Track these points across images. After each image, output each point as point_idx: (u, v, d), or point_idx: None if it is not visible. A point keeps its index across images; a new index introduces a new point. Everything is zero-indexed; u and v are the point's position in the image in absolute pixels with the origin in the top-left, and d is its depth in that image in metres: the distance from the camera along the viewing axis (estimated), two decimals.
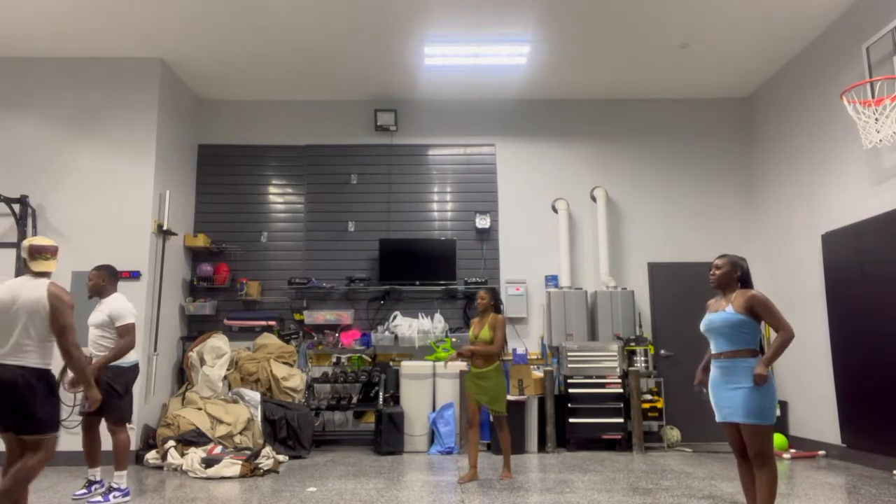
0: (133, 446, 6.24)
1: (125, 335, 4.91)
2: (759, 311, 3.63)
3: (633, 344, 7.36)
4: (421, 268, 7.81)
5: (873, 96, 5.73)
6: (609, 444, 7.08)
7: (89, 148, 7.07)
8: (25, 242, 3.93)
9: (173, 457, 6.04)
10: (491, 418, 5.88)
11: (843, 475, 5.59)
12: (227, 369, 7.17)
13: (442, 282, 7.81)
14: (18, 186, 6.92)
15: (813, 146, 6.97)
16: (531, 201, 8.25)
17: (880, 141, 5.38)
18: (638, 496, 4.82)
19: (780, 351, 3.57)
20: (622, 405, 7.04)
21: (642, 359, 7.30)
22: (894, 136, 5.26)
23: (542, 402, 7.08)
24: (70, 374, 4.08)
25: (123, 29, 6.63)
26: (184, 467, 5.88)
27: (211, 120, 8.40)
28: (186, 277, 7.90)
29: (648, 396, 7.32)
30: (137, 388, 5.60)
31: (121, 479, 4.83)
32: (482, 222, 8.11)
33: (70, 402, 6.23)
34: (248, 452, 6.02)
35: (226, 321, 7.76)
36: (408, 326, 7.64)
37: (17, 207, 6.77)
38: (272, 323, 7.73)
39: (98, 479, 5.08)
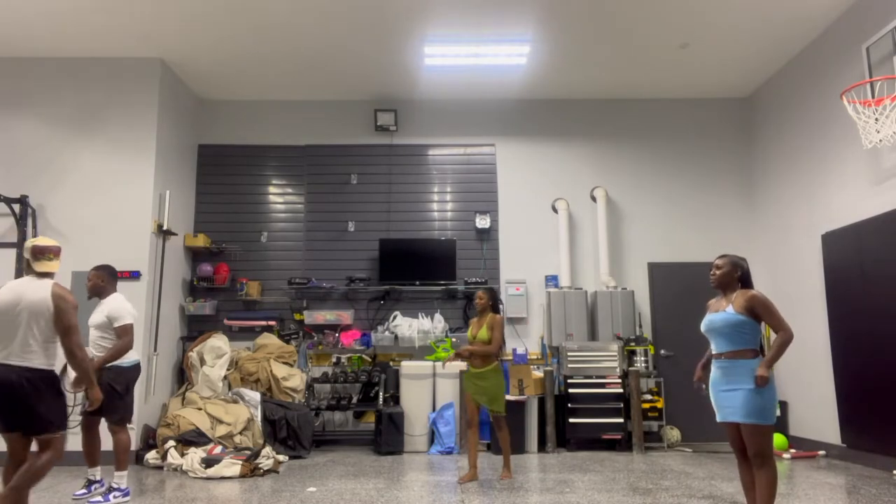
0: (133, 446, 6.24)
1: (123, 336, 4.91)
2: (759, 312, 3.64)
3: (633, 344, 7.36)
4: (421, 268, 7.81)
5: (873, 96, 5.73)
6: (609, 444, 7.08)
7: (89, 148, 7.07)
8: (28, 243, 3.93)
9: (173, 457, 6.04)
10: (490, 418, 5.88)
11: (843, 475, 5.59)
12: (227, 369, 7.17)
13: (442, 282, 7.81)
14: (18, 186, 6.92)
15: (813, 146, 6.97)
16: (531, 201, 8.25)
17: (880, 141, 5.38)
18: (638, 496, 4.82)
19: (780, 352, 3.58)
20: (622, 405, 7.04)
21: (642, 359, 7.30)
22: (894, 136, 5.26)
23: (542, 402, 7.08)
24: (71, 373, 4.08)
25: (123, 29, 6.63)
26: (184, 467, 5.88)
27: (211, 120, 8.40)
28: (186, 277, 7.90)
29: (648, 396, 7.32)
30: (137, 389, 5.61)
31: (121, 479, 4.83)
32: (482, 222, 8.10)
33: (70, 402, 6.22)
34: (248, 452, 6.02)
35: (226, 321, 7.76)
36: (408, 326, 7.64)
37: (17, 207, 6.78)
38: (272, 323, 7.74)
39: (98, 478, 5.08)
